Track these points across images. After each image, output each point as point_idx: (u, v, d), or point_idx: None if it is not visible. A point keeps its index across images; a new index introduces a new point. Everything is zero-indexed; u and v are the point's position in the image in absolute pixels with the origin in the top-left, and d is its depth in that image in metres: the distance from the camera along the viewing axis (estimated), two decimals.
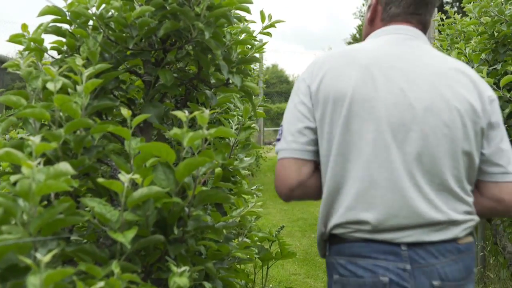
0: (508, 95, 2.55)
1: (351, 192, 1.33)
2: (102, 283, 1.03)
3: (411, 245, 1.30)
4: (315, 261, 4.69)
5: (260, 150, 10.04)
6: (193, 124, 2.50)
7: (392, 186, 1.30)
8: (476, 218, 1.39)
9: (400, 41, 1.44)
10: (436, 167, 1.32)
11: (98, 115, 1.70)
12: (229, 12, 1.64)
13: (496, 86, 2.69)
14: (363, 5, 35.68)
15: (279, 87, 39.02)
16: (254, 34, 2.93)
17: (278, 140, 1.49)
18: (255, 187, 2.35)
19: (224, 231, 1.97)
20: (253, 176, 8.87)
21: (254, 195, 2.05)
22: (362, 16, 35.62)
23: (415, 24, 1.49)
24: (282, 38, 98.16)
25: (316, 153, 1.42)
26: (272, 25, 2.67)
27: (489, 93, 1.42)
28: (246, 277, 3.20)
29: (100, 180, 1.21)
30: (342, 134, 1.35)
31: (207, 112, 1.32)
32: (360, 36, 32.50)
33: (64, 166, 1.13)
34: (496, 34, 2.82)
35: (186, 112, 1.28)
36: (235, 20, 1.69)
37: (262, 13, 2.67)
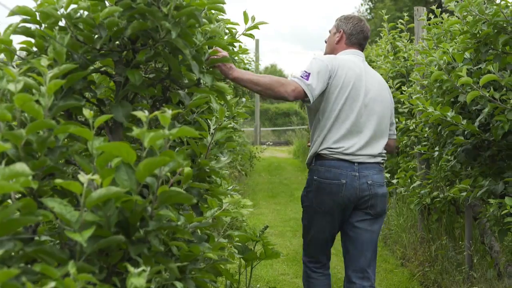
0: (487, 94, 2.55)
1: (340, 134, 2.54)
2: (53, 284, 1.03)
3: (359, 163, 2.55)
4: None
5: (254, 150, 10.03)
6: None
7: (360, 132, 2.57)
8: (385, 156, 2.71)
9: (361, 60, 2.71)
10: (380, 128, 2.64)
11: (69, 116, 1.70)
12: (198, 12, 1.63)
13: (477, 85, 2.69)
14: (362, 5, 35.64)
15: None
16: (237, 36, 2.93)
17: (306, 76, 2.49)
18: (231, 187, 2.34)
19: (199, 231, 1.97)
20: (247, 176, 8.86)
21: (228, 195, 2.04)
22: (360, 16, 35.47)
23: (361, 50, 2.77)
24: (280, 38, 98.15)
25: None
26: (255, 27, 2.67)
27: (391, 94, 2.82)
28: (231, 277, 3.19)
29: (58, 181, 1.21)
30: (343, 105, 2.55)
31: (169, 112, 1.33)
32: None
33: (21, 167, 1.13)
34: (478, 33, 2.81)
35: (146, 112, 1.28)
36: (204, 20, 1.68)
37: (245, 14, 2.67)
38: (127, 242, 1.31)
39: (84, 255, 1.23)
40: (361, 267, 2.59)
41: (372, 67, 6.56)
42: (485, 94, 2.53)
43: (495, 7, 2.73)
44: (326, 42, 2.86)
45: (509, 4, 2.64)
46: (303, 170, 10.78)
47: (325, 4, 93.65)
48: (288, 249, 5.04)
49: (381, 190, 2.59)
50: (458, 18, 3.07)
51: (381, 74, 5.43)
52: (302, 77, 2.48)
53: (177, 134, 1.31)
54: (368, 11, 34.60)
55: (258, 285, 3.90)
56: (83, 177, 1.21)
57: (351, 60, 2.64)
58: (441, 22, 3.72)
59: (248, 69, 9.92)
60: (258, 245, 3.48)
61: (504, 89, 2.63)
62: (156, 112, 1.29)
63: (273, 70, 40.85)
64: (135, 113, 1.29)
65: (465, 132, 3.02)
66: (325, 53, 2.83)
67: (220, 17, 3.02)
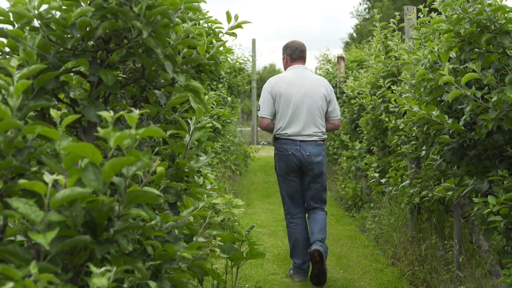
0: (469, 93, 2.54)
1: (284, 124, 4.07)
2: (11, 284, 1.03)
3: (300, 141, 4.04)
4: None
5: (249, 150, 10.02)
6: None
7: (297, 121, 4.06)
8: (324, 135, 4.15)
9: (296, 72, 4.21)
10: (312, 116, 4.08)
11: (43, 116, 1.70)
12: (171, 11, 1.63)
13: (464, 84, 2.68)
14: (360, 4, 35.71)
15: None
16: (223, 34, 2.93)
17: (259, 109, 4.20)
18: (209, 186, 2.34)
19: (176, 231, 1.97)
20: (241, 176, 8.85)
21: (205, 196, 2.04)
22: (359, 15, 35.91)
23: (302, 62, 4.28)
24: (279, 38, 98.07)
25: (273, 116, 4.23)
26: (238, 26, 2.67)
27: (330, 87, 4.26)
28: (217, 276, 3.19)
29: (22, 181, 1.21)
30: (282, 105, 4.09)
31: (136, 112, 1.32)
32: (357, 35, 33.14)
33: None
34: (462, 32, 2.81)
35: (112, 112, 1.28)
36: (177, 19, 1.68)
37: (227, 13, 2.67)
38: (93, 242, 1.31)
39: (49, 255, 1.23)
40: (312, 205, 4.17)
41: (365, 67, 6.57)
42: (466, 93, 2.53)
43: (479, 6, 2.73)
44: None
45: (491, 3, 2.64)
46: None
47: (324, 4, 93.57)
48: (279, 248, 5.04)
49: (316, 159, 4.07)
50: (446, 17, 3.06)
51: (372, 74, 5.43)
52: (258, 111, 4.24)
53: (144, 134, 1.31)
54: (367, 10, 34.62)
55: (247, 285, 3.90)
56: (47, 177, 1.21)
57: (286, 75, 4.23)
58: (429, 22, 3.71)
59: (243, 68, 9.92)
60: (246, 244, 3.48)
61: (487, 87, 2.63)
62: (122, 112, 1.29)
63: (271, 69, 40.81)
64: (100, 113, 1.29)
65: (450, 131, 3.02)
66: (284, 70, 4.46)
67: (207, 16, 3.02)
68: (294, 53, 4.22)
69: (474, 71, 2.66)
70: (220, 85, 7.34)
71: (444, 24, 3.19)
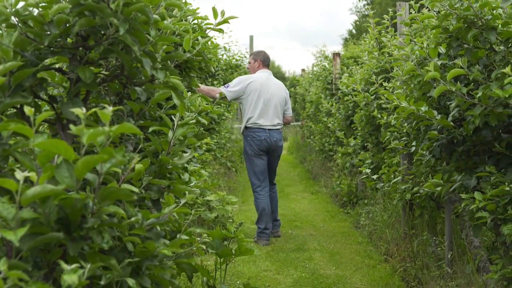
0: (454, 89, 2.54)
1: (255, 116, 5.34)
2: None
3: (269, 130, 5.39)
4: (287, 257, 4.68)
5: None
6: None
7: (266, 114, 5.38)
8: (282, 126, 5.61)
9: (267, 75, 5.54)
10: (276, 111, 5.45)
11: (22, 113, 1.70)
12: (149, 8, 1.63)
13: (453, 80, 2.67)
14: (359, 0, 35.67)
15: None
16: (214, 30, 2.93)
17: (227, 86, 5.48)
18: (193, 183, 2.34)
19: (158, 227, 1.96)
20: (237, 172, 8.85)
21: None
22: (358, 11, 35.92)
23: (268, 68, 5.67)
24: (277, 35, 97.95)
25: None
26: (225, 21, 2.66)
27: (287, 91, 5.75)
28: (207, 273, 3.18)
29: None
30: (256, 100, 5.35)
31: (109, 109, 1.32)
32: (356, 32, 33.16)
33: None
34: (450, 27, 2.80)
35: (84, 109, 1.28)
36: (156, 16, 1.68)
37: (214, 9, 2.66)
38: (67, 239, 1.31)
39: (21, 252, 1.23)
40: (271, 179, 5.60)
41: (360, 63, 6.60)
42: (452, 88, 2.53)
43: (467, 1, 2.72)
44: (248, 68, 5.72)
45: None
46: (295, 167, 10.79)
47: (322, 0, 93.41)
48: (272, 245, 5.04)
49: (280, 143, 5.45)
50: (438, 13, 3.05)
51: (366, 70, 5.42)
52: (225, 87, 5.38)
53: (117, 130, 1.31)
54: (366, 7, 34.61)
55: (238, 281, 3.90)
56: (18, 174, 1.21)
57: (260, 76, 5.42)
58: (418, 18, 3.70)
59: (240, 65, 9.90)
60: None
61: (472, 83, 2.62)
62: (95, 109, 1.29)
63: (270, 67, 40.75)
64: (72, 110, 1.28)
65: (439, 127, 3.02)
66: (251, 73, 5.61)
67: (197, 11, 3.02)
68: (266, 61, 5.59)
69: (461, 67, 2.65)
70: (215, 82, 7.33)
71: (434, 20, 3.18)
